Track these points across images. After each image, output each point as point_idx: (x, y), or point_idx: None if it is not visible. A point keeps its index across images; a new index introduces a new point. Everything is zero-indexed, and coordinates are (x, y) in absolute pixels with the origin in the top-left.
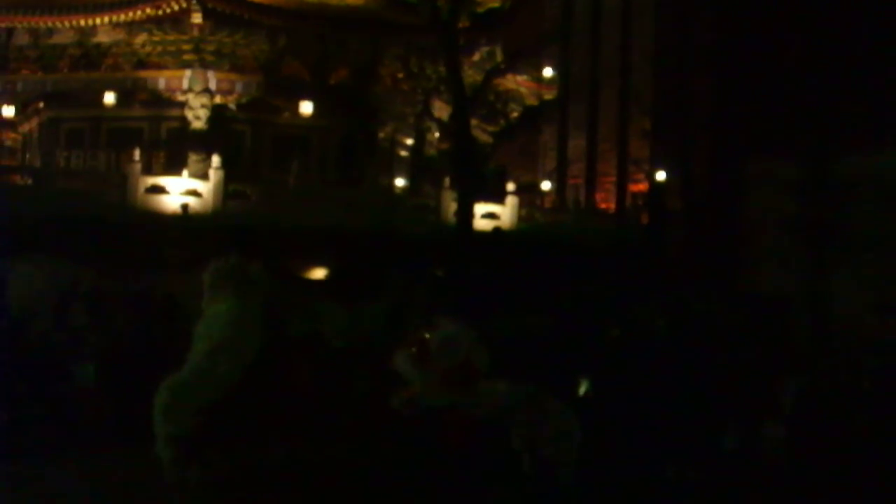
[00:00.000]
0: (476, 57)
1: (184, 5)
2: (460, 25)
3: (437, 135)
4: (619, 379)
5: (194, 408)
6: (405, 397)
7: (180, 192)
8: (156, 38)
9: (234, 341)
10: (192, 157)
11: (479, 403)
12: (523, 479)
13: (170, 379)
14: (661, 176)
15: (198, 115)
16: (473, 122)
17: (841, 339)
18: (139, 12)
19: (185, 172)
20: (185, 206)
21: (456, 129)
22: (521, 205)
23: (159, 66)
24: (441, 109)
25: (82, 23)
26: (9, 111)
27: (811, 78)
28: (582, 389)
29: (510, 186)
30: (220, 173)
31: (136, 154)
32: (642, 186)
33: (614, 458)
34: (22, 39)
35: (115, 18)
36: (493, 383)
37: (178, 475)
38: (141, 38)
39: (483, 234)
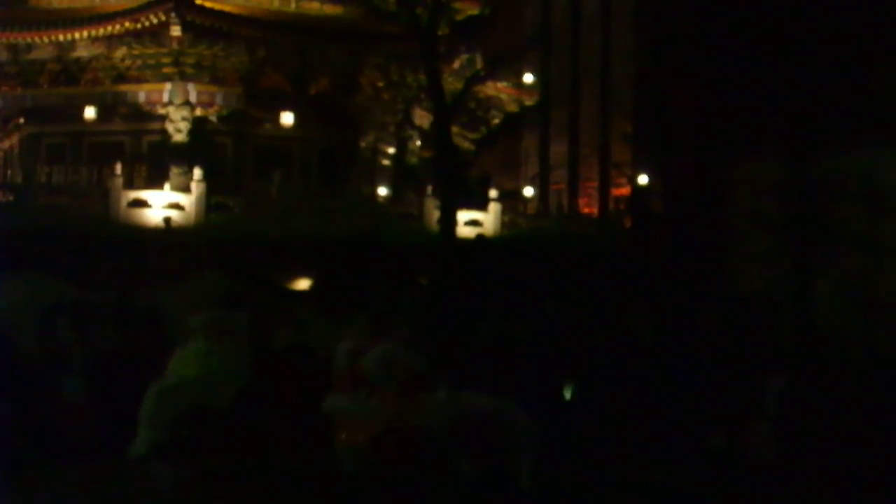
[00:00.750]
0: (456, 64)
1: (162, 18)
2: (440, 33)
3: (418, 143)
4: (605, 382)
5: (177, 414)
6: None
7: (162, 205)
8: (135, 52)
9: (197, 382)
10: (174, 171)
11: (423, 418)
12: (471, 491)
13: (155, 385)
14: (643, 180)
15: (179, 128)
16: (455, 129)
17: (826, 339)
18: (118, 26)
19: (167, 186)
20: (167, 220)
21: (437, 137)
22: (503, 211)
23: (139, 80)
24: (422, 117)
25: (61, 38)
26: None
27: (793, 78)
28: (567, 394)
29: (493, 193)
30: (202, 186)
31: (118, 168)
32: (625, 191)
33: (601, 460)
34: (1, 55)
35: (93, 33)
36: (436, 397)
37: (161, 479)
38: (120, 52)
39: (466, 242)
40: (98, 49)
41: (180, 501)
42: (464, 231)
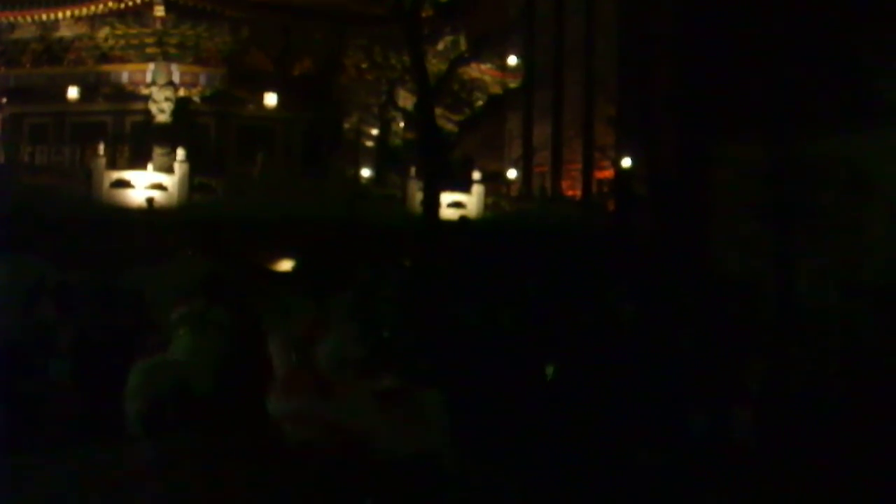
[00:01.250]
0: (440, 46)
1: None
2: (423, 15)
3: (402, 124)
4: (589, 365)
5: (163, 390)
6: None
7: (145, 185)
8: (118, 32)
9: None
10: (157, 151)
11: (334, 408)
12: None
13: (142, 362)
14: (626, 162)
15: (162, 109)
16: (438, 111)
17: (808, 322)
18: (101, 6)
19: (149, 166)
20: (150, 200)
21: (421, 119)
22: (487, 193)
23: (122, 60)
24: (406, 99)
25: (44, 17)
26: None
27: (777, 62)
28: (550, 376)
29: (476, 175)
30: (185, 166)
31: (101, 148)
32: (608, 173)
33: (584, 443)
34: None
35: (77, 12)
36: (351, 384)
37: (148, 450)
38: (103, 32)
39: (449, 224)
40: (81, 29)
41: (166, 480)
42: (447, 213)
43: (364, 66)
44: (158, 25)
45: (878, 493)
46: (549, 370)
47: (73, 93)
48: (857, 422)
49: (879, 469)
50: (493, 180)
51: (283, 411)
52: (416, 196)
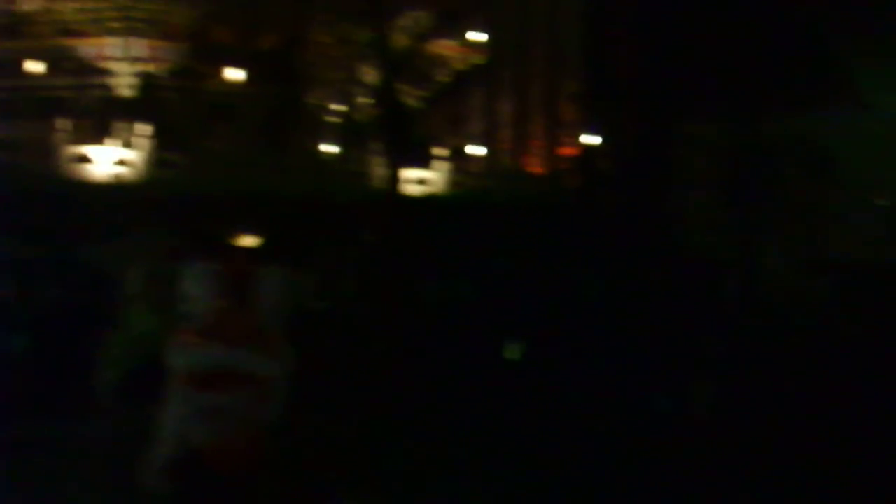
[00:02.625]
0: (404, 22)
1: None
2: None
3: (365, 100)
4: (551, 341)
5: (133, 361)
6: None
7: (108, 161)
8: (81, 6)
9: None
10: (120, 126)
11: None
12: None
13: (115, 334)
14: (590, 139)
15: (125, 84)
16: (402, 87)
17: (770, 299)
18: None
19: (112, 142)
20: (112, 176)
21: (385, 95)
22: (450, 170)
23: (85, 35)
24: (370, 75)
25: None
26: None
27: (740, 39)
28: (513, 353)
29: (439, 152)
30: (148, 142)
31: (63, 124)
32: (572, 150)
33: (542, 420)
34: None
35: None
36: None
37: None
38: (66, 6)
39: (413, 200)
40: (43, 2)
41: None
42: (410, 189)
43: (328, 41)
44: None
45: (832, 465)
46: (511, 347)
47: (34, 67)
48: (819, 396)
49: (840, 442)
50: (457, 157)
51: (201, 363)
52: (380, 172)
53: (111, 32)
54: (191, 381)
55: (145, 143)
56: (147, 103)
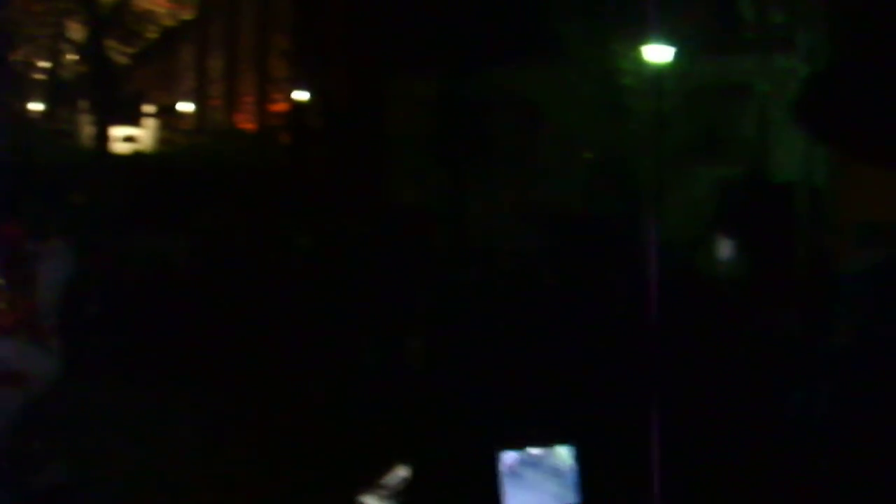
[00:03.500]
0: None
1: None
2: None
3: (72, 57)
4: (263, 296)
5: None
6: None
7: None
8: None
9: None
10: None
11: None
12: None
13: None
14: (301, 96)
15: None
16: (110, 43)
17: (480, 247)
18: None
19: None
20: None
21: (92, 52)
22: (160, 127)
23: None
24: (77, 31)
25: None
26: None
27: None
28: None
29: (149, 109)
30: None
31: None
32: (283, 106)
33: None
34: None
35: None
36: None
37: None
38: None
39: (122, 158)
40: None
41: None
42: (119, 148)
43: None
44: None
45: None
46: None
47: None
48: (535, 340)
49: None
50: (167, 114)
51: None
52: (87, 130)
53: None
54: None
55: None
56: None
